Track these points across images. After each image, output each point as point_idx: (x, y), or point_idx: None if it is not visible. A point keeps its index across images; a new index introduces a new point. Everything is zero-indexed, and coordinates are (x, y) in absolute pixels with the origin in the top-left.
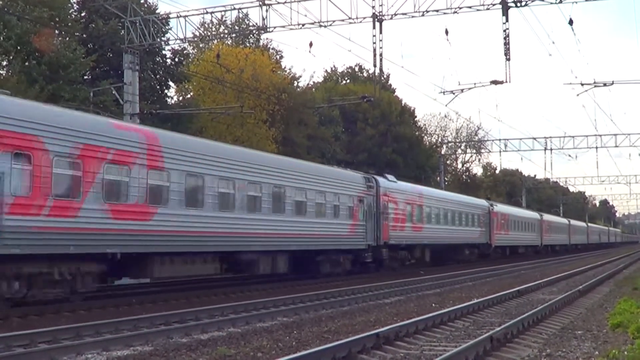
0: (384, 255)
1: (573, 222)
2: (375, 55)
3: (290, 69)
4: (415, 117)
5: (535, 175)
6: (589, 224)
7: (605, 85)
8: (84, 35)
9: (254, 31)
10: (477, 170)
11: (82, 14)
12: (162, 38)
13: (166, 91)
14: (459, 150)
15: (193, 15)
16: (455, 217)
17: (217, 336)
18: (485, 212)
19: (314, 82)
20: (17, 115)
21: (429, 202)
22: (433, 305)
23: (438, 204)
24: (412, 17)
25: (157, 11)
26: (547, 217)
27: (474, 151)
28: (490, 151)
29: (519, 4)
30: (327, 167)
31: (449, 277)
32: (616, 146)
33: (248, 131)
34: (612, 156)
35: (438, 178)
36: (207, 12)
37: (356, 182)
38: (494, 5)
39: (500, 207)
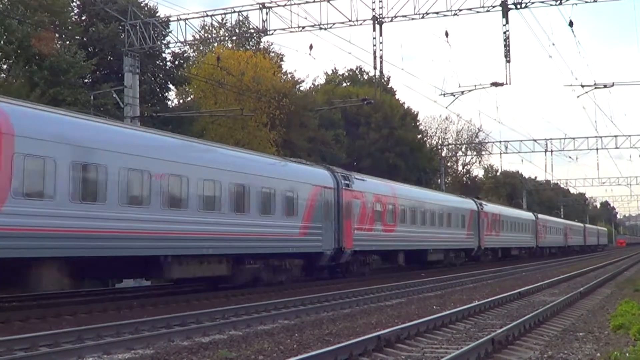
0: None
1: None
2: (375, 57)
3: (292, 73)
4: (418, 121)
5: (535, 177)
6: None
7: (605, 86)
8: (85, 39)
9: (254, 34)
10: (478, 172)
11: (83, 18)
12: (163, 41)
13: (166, 94)
14: (460, 153)
15: (193, 18)
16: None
17: (219, 339)
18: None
19: (314, 85)
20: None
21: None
22: (434, 307)
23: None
24: (412, 19)
25: (157, 14)
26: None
27: (475, 153)
28: (490, 153)
29: (519, 6)
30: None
31: (449, 279)
32: (617, 148)
33: (249, 134)
34: (613, 158)
35: (439, 180)
36: (207, 15)
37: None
38: (494, 7)
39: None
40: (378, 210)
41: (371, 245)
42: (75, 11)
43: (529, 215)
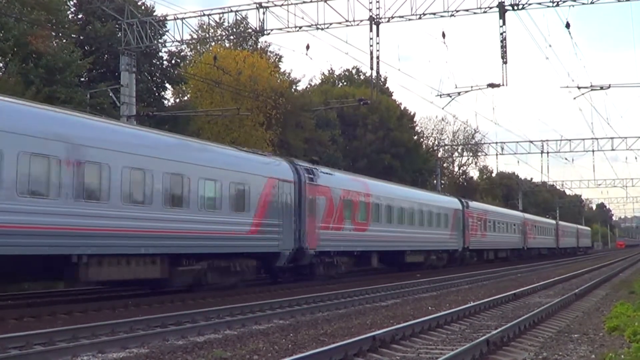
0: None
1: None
2: (372, 58)
3: (289, 73)
4: (415, 122)
5: (531, 179)
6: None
7: (602, 88)
8: (81, 37)
9: (252, 34)
10: (474, 173)
11: (79, 16)
12: (159, 40)
13: (163, 93)
14: (456, 154)
15: (190, 17)
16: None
17: (213, 338)
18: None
19: (310, 85)
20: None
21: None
22: (429, 308)
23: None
24: (409, 19)
25: (154, 13)
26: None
27: (471, 154)
28: (486, 154)
29: (515, 7)
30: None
31: (444, 280)
32: (613, 149)
33: (245, 133)
34: (609, 159)
35: (435, 181)
36: (204, 15)
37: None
38: (490, 8)
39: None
40: (348, 207)
41: (339, 245)
42: (72, 9)
43: (449, 202)
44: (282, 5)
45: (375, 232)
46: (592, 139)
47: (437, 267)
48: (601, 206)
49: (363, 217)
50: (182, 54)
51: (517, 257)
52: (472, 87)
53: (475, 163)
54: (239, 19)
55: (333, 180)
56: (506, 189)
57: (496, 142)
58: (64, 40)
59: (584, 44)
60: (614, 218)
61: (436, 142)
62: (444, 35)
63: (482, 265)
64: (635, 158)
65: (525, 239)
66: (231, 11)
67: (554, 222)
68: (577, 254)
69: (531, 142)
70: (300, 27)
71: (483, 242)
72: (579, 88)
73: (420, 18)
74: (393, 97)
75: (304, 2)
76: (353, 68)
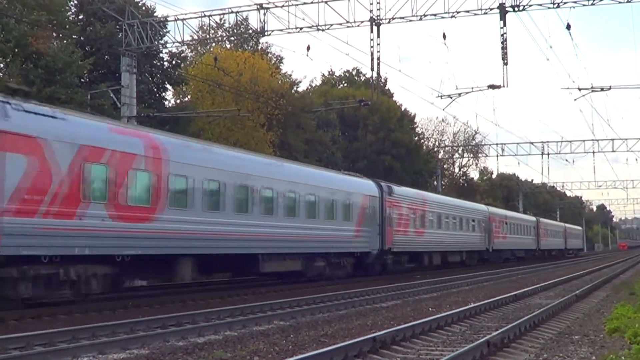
0: None
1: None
2: (372, 59)
3: (290, 75)
4: (415, 123)
5: (532, 180)
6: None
7: (602, 90)
8: (82, 38)
9: (253, 35)
10: (474, 174)
11: (80, 17)
12: (160, 41)
13: (163, 94)
14: (456, 155)
15: (191, 18)
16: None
17: (214, 339)
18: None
19: (311, 86)
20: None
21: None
22: (430, 309)
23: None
24: (410, 20)
25: (154, 14)
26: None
27: (471, 155)
28: (487, 155)
29: (516, 9)
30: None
31: (445, 281)
32: (613, 151)
33: (246, 134)
34: (609, 161)
35: (435, 182)
36: (205, 15)
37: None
38: (491, 9)
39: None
40: (98, 179)
41: (70, 245)
42: (73, 10)
43: (355, 184)
44: (283, 6)
45: (178, 224)
46: (592, 140)
47: (334, 277)
48: (602, 207)
49: (142, 196)
50: (183, 55)
51: (479, 262)
52: (472, 88)
53: (476, 164)
54: (240, 20)
55: (52, 128)
56: (507, 191)
57: (497, 144)
58: (65, 41)
59: (585, 45)
60: (614, 219)
61: (437, 144)
62: (444, 36)
63: (415, 275)
64: (636, 159)
65: (490, 239)
66: (232, 12)
67: (533, 219)
68: (565, 256)
69: (532, 143)
70: (300, 28)
71: (418, 243)
72: (579, 89)
73: (420, 19)
74: (393, 98)
75: (305, 3)
76: (353, 69)
